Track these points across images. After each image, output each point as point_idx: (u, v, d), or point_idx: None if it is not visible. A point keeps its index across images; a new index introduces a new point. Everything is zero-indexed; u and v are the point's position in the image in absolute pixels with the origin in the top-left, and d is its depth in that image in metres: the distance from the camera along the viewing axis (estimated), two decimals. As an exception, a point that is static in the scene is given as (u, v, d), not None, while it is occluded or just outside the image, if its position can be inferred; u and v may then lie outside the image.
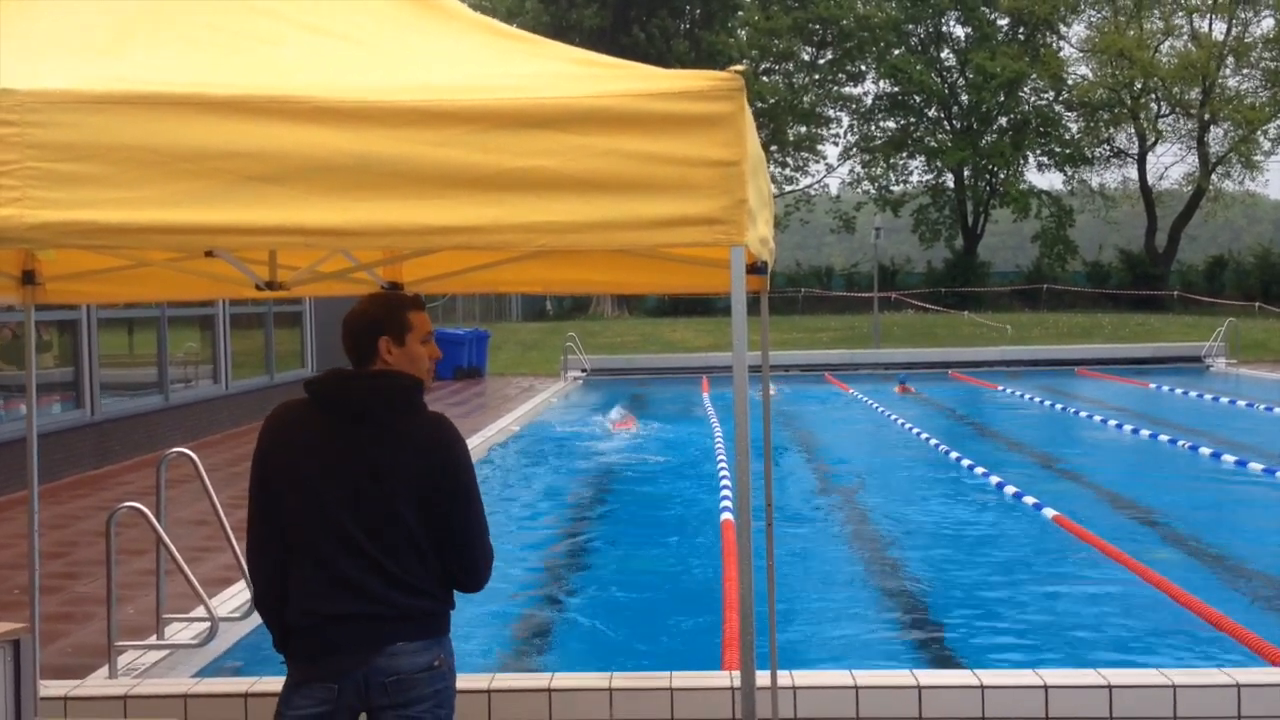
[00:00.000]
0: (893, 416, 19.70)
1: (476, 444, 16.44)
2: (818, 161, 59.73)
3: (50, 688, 5.56)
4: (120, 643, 6.44)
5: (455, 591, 3.56)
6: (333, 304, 22.45)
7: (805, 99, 57.52)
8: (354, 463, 3.37)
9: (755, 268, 3.67)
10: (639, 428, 19.82)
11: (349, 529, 3.35)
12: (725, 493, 12.17)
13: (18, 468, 11.89)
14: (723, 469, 13.85)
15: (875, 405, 21.64)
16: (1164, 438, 16.66)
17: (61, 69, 2.74)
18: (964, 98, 56.14)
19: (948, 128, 56.97)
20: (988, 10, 54.51)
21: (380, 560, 3.36)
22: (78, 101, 2.59)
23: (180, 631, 7.17)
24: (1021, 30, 55.31)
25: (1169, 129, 54.52)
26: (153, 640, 6.92)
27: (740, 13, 55.74)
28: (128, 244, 2.68)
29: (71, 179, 2.58)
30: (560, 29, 45.12)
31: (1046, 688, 5.24)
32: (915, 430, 17.77)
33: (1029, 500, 11.95)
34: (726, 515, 10.93)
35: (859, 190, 59.54)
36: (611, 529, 11.79)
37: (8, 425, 12.61)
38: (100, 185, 2.59)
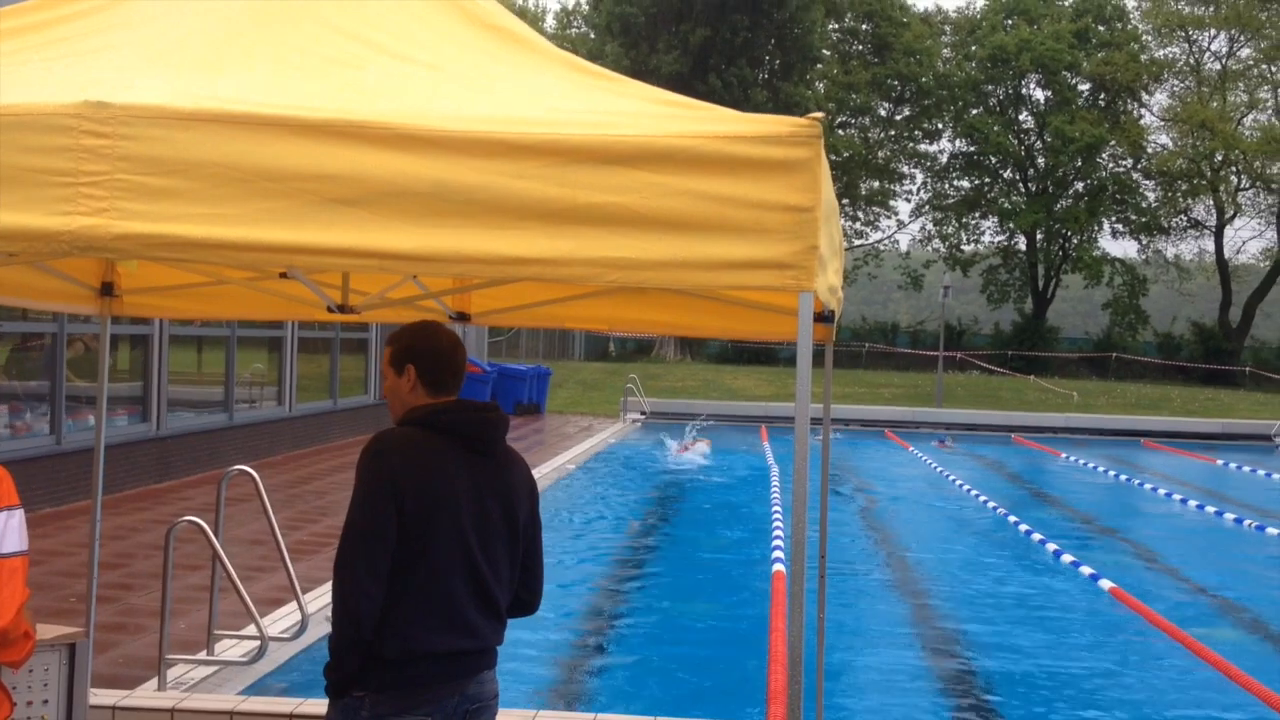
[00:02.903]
0: (951, 477, 19.50)
1: (533, 480, 16.44)
2: (889, 217, 59.67)
3: (100, 696, 5.62)
4: (171, 656, 6.49)
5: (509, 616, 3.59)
6: (399, 333, 22.62)
7: (880, 154, 57.50)
8: (493, 497, 3.41)
9: (822, 316, 3.65)
10: (702, 454, 20.73)
11: (477, 559, 3.35)
12: (777, 542, 12.08)
13: (83, 477, 12.09)
14: (776, 517, 13.76)
15: (934, 464, 21.44)
16: (1230, 516, 16.33)
17: (154, 85, 2.81)
18: (1040, 161, 55.82)
19: (1022, 190, 56.64)
20: (1069, 75, 54.22)
21: (492, 592, 3.40)
22: (168, 117, 2.65)
23: (230, 648, 7.22)
24: (1103, 96, 54.95)
25: (1248, 203, 53.89)
26: (203, 655, 6.98)
27: (819, 65, 55.91)
28: (207, 259, 2.72)
29: (158, 192, 2.63)
30: (640, 73, 45.40)
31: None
32: (974, 492, 17.56)
33: (1086, 570, 11.75)
34: (778, 566, 10.85)
35: (929, 248, 59.29)
36: (660, 571, 11.73)
37: (75, 435, 12.82)
38: (185, 200, 2.64)
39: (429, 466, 3.30)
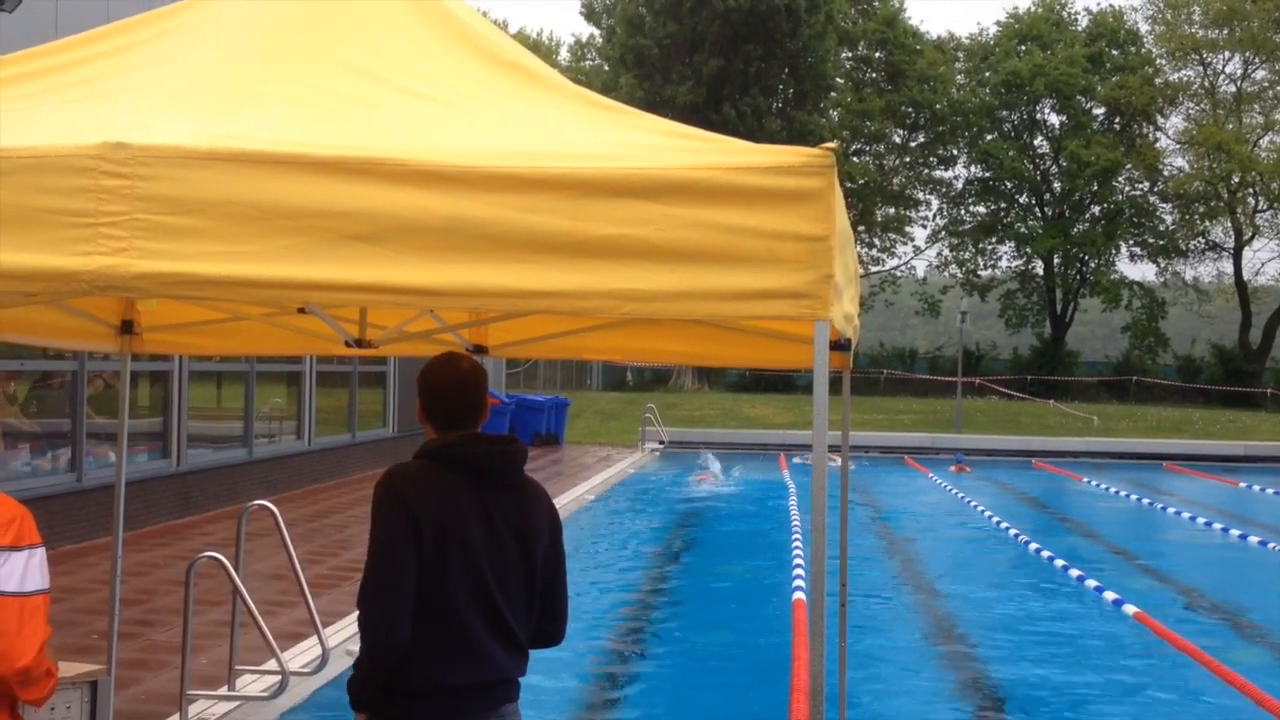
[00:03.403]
0: (972, 503, 19.41)
1: (552, 511, 16.44)
2: (905, 243, 59.62)
3: (122, 732, 5.62)
4: (192, 691, 6.50)
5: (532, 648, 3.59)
6: (416, 366, 22.70)
7: (895, 181, 57.53)
8: (504, 528, 3.41)
9: (839, 344, 3.65)
10: (719, 482, 21.48)
11: (493, 593, 3.36)
12: (797, 570, 12.04)
13: (103, 514, 12.12)
14: (796, 545, 13.71)
15: (954, 490, 21.35)
16: (1254, 539, 16.20)
17: (172, 125, 2.84)
18: (1056, 185, 55.75)
19: (1039, 214, 56.56)
20: (1084, 99, 54.21)
21: (511, 625, 3.40)
22: (185, 157, 2.68)
23: (251, 683, 7.22)
24: (1118, 120, 54.90)
25: (1266, 224, 53.65)
26: (224, 691, 6.98)
27: (833, 94, 56.05)
28: (226, 296, 2.75)
29: (176, 231, 2.66)
30: (654, 104, 45.67)
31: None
32: (995, 518, 17.47)
33: (1109, 595, 11.67)
34: (798, 594, 10.80)
35: (945, 273, 59.21)
36: (681, 600, 11.70)
37: (96, 472, 12.87)
38: (203, 239, 2.66)
39: (441, 500, 3.32)
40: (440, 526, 3.28)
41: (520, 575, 3.43)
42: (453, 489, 3.35)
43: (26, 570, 2.91)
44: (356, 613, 3.34)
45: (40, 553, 2.97)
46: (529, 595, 3.47)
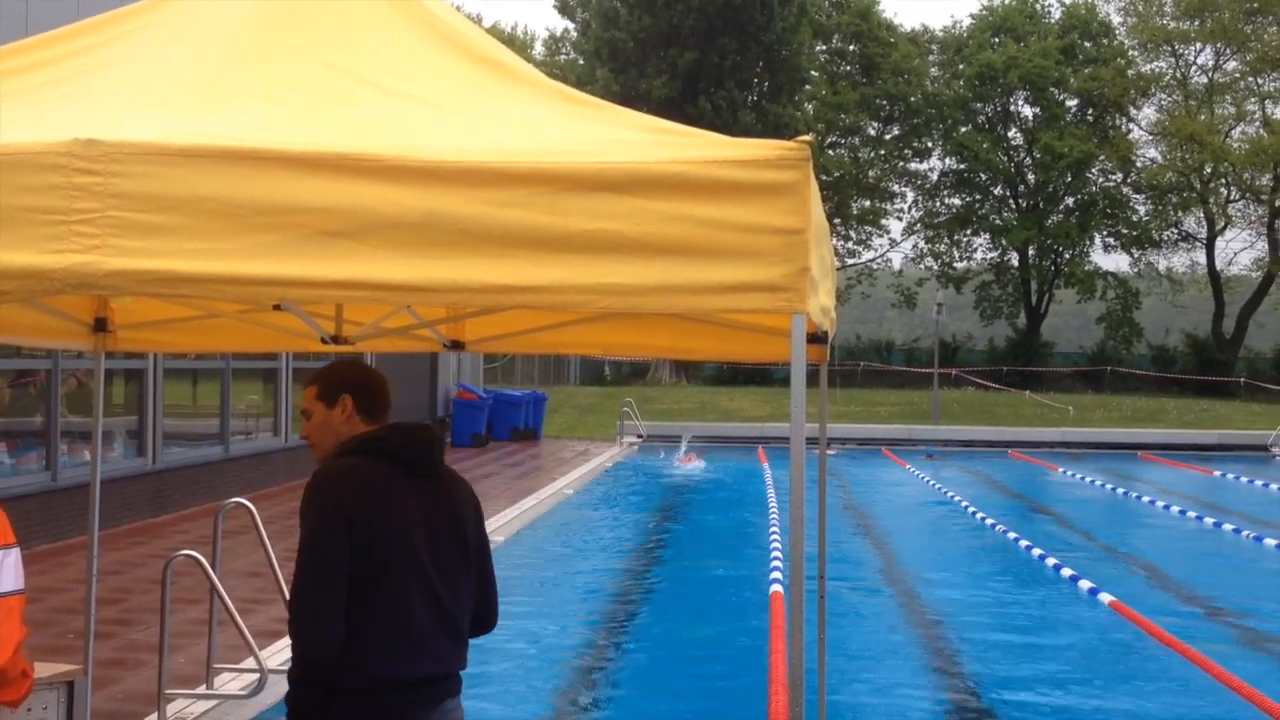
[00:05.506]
0: (949, 493, 19.50)
1: (531, 505, 16.44)
2: (881, 236, 59.75)
3: (100, 732, 5.59)
4: (170, 690, 6.47)
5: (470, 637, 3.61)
6: (394, 362, 22.65)
7: (870, 173, 57.65)
8: (441, 517, 3.44)
9: (816, 337, 3.66)
10: (702, 464, 22.73)
11: (434, 581, 3.37)
12: (775, 562, 12.07)
13: (78, 513, 12.06)
14: (774, 537, 13.74)
15: (932, 481, 21.44)
16: (1228, 526, 16.33)
17: (145, 122, 2.82)
18: (1030, 177, 55.98)
19: (1013, 206, 56.77)
20: (1057, 91, 54.44)
21: (453, 614, 3.42)
22: (158, 153, 2.66)
23: (230, 682, 7.20)
24: (1091, 112, 55.15)
25: (1239, 214, 53.97)
26: (202, 690, 6.96)
27: (808, 87, 56.10)
28: (200, 294, 2.73)
29: (149, 229, 2.64)
30: (630, 98, 45.63)
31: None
32: (971, 508, 17.55)
33: (1085, 584, 11.74)
34: (776, 587, 10.83)
35: (921, 266, 59.35)
36: (660, 593, 11.72)
37: (71, 471, 12.79)
38: (176, 236, 2.65)
39: (376, 494, 3.31)
40: (377, 519, 3.27)
41: (458, 561, 3.46)
42: (384, 481, 3.35)
43: (1, 570, 2.89)
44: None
45: (15, 553, 2.96)
46: (467, 580, 3.49)
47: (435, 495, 3.45)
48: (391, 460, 3.40)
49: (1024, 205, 56.16)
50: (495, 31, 59.36)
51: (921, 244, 58.71)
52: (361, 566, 3.23)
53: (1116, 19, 56.02)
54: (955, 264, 57.96)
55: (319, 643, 3.20)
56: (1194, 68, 54.48)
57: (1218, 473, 24.13)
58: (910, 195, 59.08)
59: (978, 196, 57.20)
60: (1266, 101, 52.28)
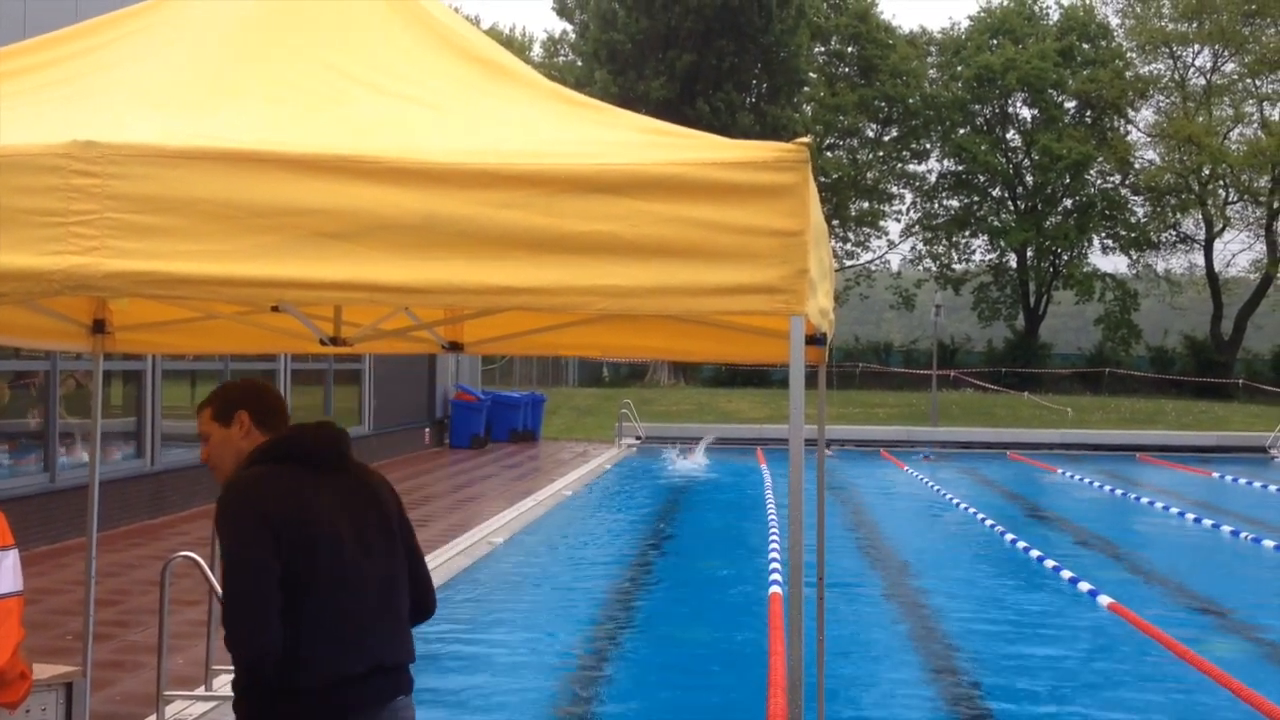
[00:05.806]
0: (948, 495, 19.49)
1: (529, 507, 16.44)
2: (879, 237, 59.77)
3: (98, 734, 5.59)
4: (169, 692, 6.47)
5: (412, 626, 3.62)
6: (392, 364, 22.65)
7: (868, 175, 57.66)
8: (361, 510, 3.44)
9: (814, 339, 3.66)
10: (701, 462, 23.25)
11: (367, 576, 3.37)
12: (774, 564, 12.07)
13: (77, 515, 12.05)
14: (773, 539, 13.74)
15: (931, 482, 21.44)
16: (1226, 528, 16.33)
17: (144, 123, 2.82)
18: (1029, 178, 56.00)
19: (1011, 208, 56.79)
20: (1055, 93, 54.46)
21: (392, 604, 3.44)
22: (157, 155, 2.66)
23: (228, 683, 7.18)
24: (1089, 113, 55.17)
25: (1237, 216, 53.99)
26: (201, 691, 6.95)
27: (806, 88, 56.11)
28: (198, 295, 2.73)
29: (148, 230, 2.64)
30: (628, 99, 45.61)
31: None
32: (971, 509, 17.56)
33: (1084, 586, 11.74)
34: (775, 588, 10.83)
35: (920, 267, 59.37)
36: (658, 595, 11.71)
37: (69, 473, 12.79)
38: (175, 237, 2.64)
39: (291, 496, 3.30)
40: (298, 521, 3.26)
41: (386, 550, 3.46)
42: (298, 482, 3.34)
43: (-1, 572, 2.89)
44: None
45: (13, 554, 2.96)
46: (400, 568, 3.50)
47: (351, 489, 3.45)
48: (299, 461, 3.40)
49: (1022, 207, 56.17)
50: (493, 33, 59.36)
51: (920, 246, 58.76)
52: (291, 569, 3.22)
53: (1115, 21, 56.12)
54: (953, 266, 57.98)
55: (259, 651, 3.18)
56: (1192, 69, 54.55)
57: (1216, 474, 24.13)
58: (909, 197, 59.16)
59: (976, 198, 57.22)
60: (1264, 103, 52.33)
